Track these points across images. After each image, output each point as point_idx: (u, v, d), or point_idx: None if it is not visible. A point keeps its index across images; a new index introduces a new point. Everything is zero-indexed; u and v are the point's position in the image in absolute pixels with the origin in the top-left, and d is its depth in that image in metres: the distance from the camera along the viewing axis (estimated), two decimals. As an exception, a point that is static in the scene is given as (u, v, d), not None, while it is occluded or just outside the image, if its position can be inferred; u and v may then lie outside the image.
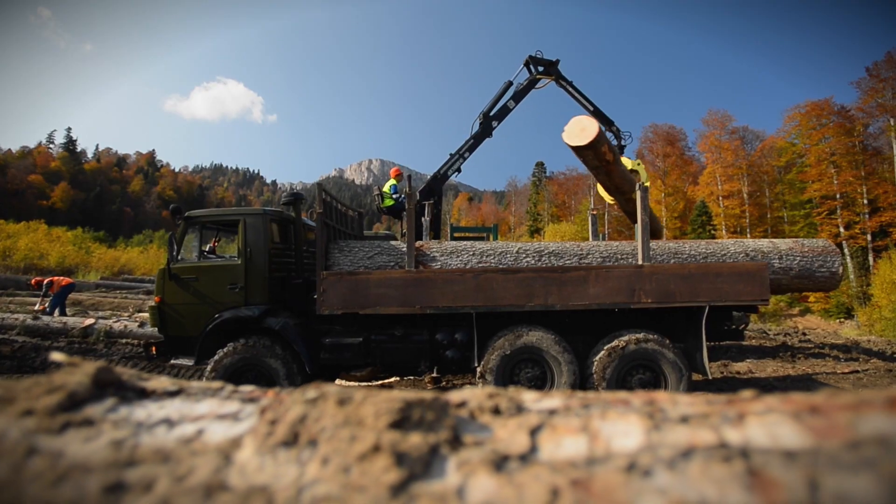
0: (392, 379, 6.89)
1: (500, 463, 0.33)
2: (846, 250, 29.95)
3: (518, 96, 9.53)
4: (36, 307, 11.56)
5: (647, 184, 6.79)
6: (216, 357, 5.12)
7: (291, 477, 0.32)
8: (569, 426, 0.37)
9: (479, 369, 5.08)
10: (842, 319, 27.57)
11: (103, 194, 71.18)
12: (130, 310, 13.88)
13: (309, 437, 0.34)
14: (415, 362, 5.39)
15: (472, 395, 0.42)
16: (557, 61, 9.65)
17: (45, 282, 11.52)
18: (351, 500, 0.30)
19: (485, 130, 9.35)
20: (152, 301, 5.89)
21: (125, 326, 9.77)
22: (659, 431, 0.36)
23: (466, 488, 0.33)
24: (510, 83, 9.51)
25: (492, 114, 9.38)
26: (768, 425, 0.35)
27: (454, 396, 0.42)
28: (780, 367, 7.43)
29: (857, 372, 7.10)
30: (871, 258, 28.76)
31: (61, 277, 11.97)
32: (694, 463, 0.32)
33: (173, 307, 5.46)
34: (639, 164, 8.69)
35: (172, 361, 5.50)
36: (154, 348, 5.70)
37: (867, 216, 29.90)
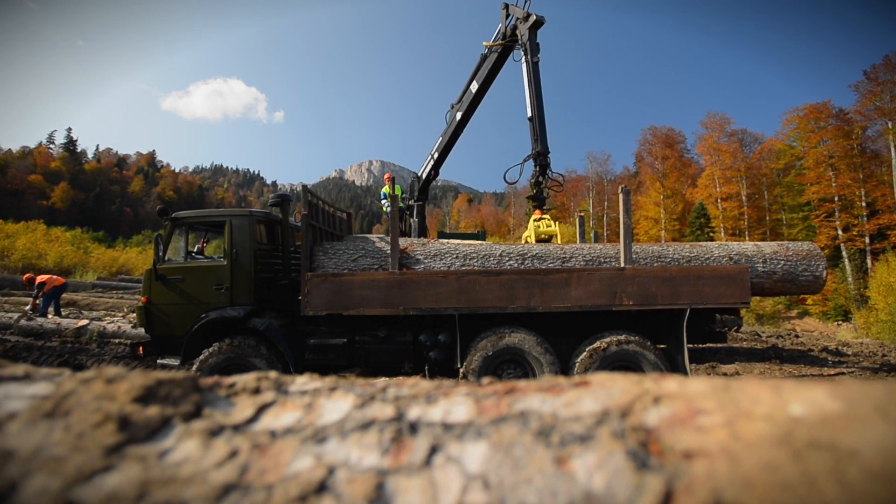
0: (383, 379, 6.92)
1: (216, 431, 0.39)
2: (844, 253, 30.00)
3: (481, 75, 7.15)
4: (27, 307, 11.62)
5: (558, 240, 6.08)
6: (202, 357, 5.18)
7: (36, 441, 0.37)
8: (296, 403, 0.42)
9: (461, 370, 5.11)
10: (839, 322, 27.59)
11: (103, 194, 71.38)
12: (125, 310, 13.94)
13: (67, 409, 0.39)
14: (398, 363, 5.43)
15: (242, 378, 0.47)
16: (536, 20, 6.37)
17: (38, 282, 11.56)
18: (73, 458, 0.35)
19: (450, 123, 7.60)
20: (140, 301, 5.95)
21: (119, 327, 9.82)
22: (362, 409, 0.40)
23: (173, 449, 0.38)
24: (486, 57, 7.25)
25: (455, 103, 7.54)
26: (450, 404, 0.40)
27: (227, 379, 0.47)
28: (767, 369, 7.45)
29: (843, 374, 7.12)
30: (869, 261, 28.77)
31: (54, 277, 12.00)
32: (362, 433, 0.37)
33: (160, 307, 5.51)
34: (544, 223, 6.32)
35: (159, 361, 5.55)
36: (141, 348, 5.76)
37: (865, 219, 29.93)
